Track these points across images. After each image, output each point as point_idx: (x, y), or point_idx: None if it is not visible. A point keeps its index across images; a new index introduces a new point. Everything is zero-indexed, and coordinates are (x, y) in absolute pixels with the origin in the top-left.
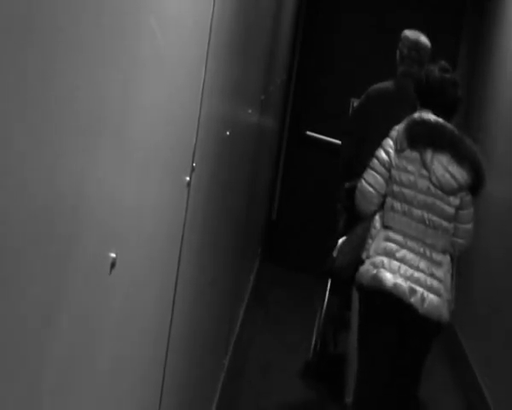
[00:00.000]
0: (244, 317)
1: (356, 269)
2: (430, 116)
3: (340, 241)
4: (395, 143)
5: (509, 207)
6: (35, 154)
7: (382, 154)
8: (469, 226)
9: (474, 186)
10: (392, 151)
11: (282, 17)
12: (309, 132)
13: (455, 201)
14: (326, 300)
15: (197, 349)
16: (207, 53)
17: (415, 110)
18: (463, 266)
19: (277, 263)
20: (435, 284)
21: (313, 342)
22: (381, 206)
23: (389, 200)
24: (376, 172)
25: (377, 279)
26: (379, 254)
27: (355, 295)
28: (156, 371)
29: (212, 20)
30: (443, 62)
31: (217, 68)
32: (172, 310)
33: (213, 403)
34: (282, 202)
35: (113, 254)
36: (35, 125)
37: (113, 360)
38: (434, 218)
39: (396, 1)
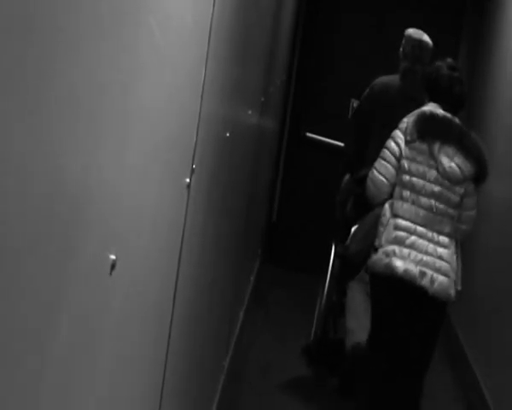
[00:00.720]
0: (244, 318)
1: (367, 255)
2: (438, 111)
3: (353, 229)
4: (405, 134)
5: (509, 207)
6: (35, 154)
7: (392, 145)
8: (472, 213)
9: (478, 177)
10: (401, 142)
11: (282, 17)
12: (309, 134)
13: (460, 190)
14: (326, 288)
15: (197, 350)
16: (207, 53)
17: (418, 106)
18: (464, 266)
19: (277, 264)
20: (443, 265)
21: (314, 328)
22: (391, 195)
23: (398, 189)
24: (387, 162)
25: (389, 268)
26: (390, 243)
27: (351, 283)
28: (156, 371)
29: (212, 19)
30: (450, 60)
31: (217, 68)
32: (172, 310)
33: (214, 403)
34: (282, 203)
35: (113, 256)
36: (35, 125)
37: (113, 360)
38: (441, 206)
39: (396, 1)
